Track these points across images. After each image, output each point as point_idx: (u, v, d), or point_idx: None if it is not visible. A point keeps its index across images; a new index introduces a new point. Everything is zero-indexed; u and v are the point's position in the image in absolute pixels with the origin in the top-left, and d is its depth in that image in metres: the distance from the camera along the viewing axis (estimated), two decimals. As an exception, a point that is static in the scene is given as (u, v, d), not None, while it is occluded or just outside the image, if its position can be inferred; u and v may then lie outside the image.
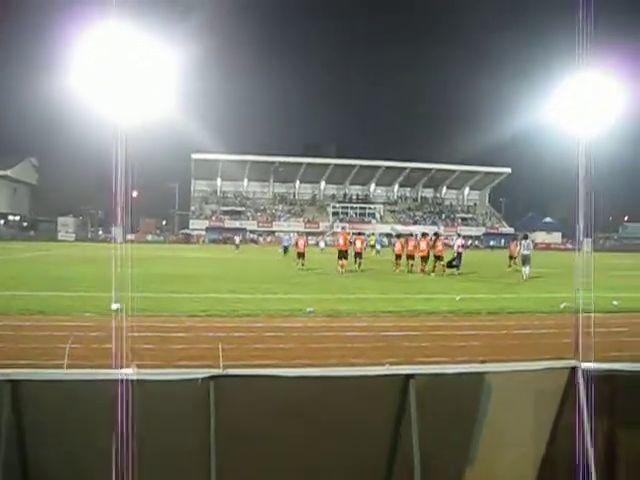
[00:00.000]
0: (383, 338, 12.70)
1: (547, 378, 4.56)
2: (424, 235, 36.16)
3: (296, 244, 36.82)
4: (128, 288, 13.84)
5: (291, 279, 26.94)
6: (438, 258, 32.24)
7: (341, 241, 33.93)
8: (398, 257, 34.09)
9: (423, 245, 33.63)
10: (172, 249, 65.25)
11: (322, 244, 54.34)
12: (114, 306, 14.57)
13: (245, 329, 13.27)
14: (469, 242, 46.72)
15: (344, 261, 32.09)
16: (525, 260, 30.16)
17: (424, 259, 32.83)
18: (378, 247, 52.52)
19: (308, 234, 78.61)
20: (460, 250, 33.15)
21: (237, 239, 73.30)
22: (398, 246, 34.89)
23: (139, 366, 4.10)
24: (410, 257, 33.38)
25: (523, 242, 31.18)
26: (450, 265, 32.25)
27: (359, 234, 38.53)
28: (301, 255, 34.64)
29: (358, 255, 33.93)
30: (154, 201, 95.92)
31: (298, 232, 52.49)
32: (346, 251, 32.72)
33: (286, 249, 46.37)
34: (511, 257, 35.82)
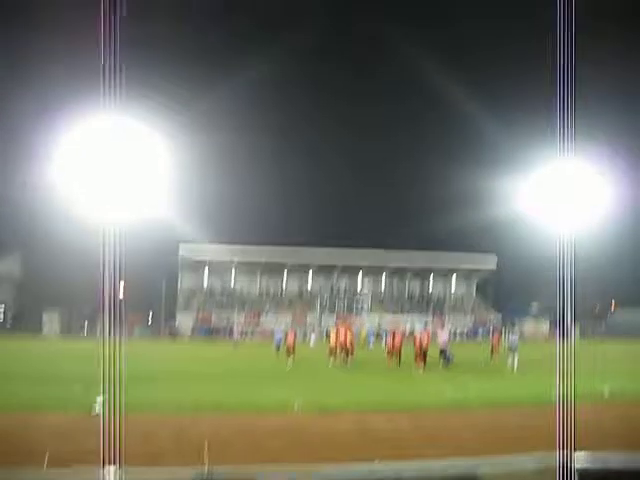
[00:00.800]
0: (372, 433, 12.47)
1: (538, 471, 4.48)
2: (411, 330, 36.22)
3: (286, 339, 36.87)
4: (112, 385, 13.61)
5: (280, 375, 26.62)
6: (424, 352, 31.50)
7: (332, 336, 33.95)
8: (389, 352, 33.60)
9: (411, 339, 33.74)
10: (158, 345, 64.56)
11: (313, 338, 51.84)
12: (98, 403, 14.28)
13: (233, 426, 13.02)
14: (457, 332, 46.30)
15: (334, 356, 32.00)
16: (513, 351, 30.97)
17: (416, 353, 31.81)
18: (371, 340, 51.74)
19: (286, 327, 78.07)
20: (444, 346, 32.65)
21: (235, 334, 72.50)
22: (389, 341, 34.59)
23: (122, 465, 4.00)
24: (400, 351, 33.00)
25: (510, 336, 32.79)
26: (441, 358, 31.87)
27: (348, 328, 38.04)
28: (291, 350, 34.02)
29: (348, 350, 33.16)
30: (141, 295, 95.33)
31: (289, 327, 50.40)
32: (337, 347, 32.64)
33: (279, 346, 42.16)
34: (493, 349, 35.68)
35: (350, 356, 32.81)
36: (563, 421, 10.78)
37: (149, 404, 15.52)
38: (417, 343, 32.14)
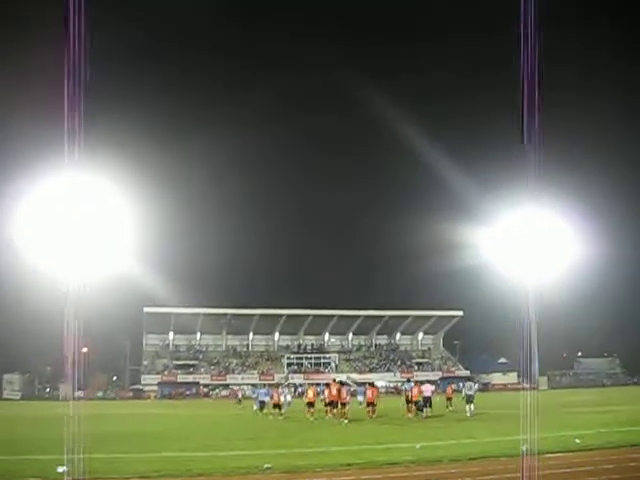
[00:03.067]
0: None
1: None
2: (371, 384, 38.96)
3: (271, 397, 39.15)
4: (76, 449, 13.21)
5: (248, 433, 26.17)
6: (372, 404, 34.20)
7: (310, 393, 36.04)
8: (369, 404, 34.81)
9: (369, 394, 35.58)
10: (123, 406, 63.20)
11: (289, 397, 48.37)
12: (60, 469, 13.84)
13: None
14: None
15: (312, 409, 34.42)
16: (469, 400, 34.18)
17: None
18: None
19: (264, 386, 77.43)
20: (428, 394, 34.61)
21: (240, 394, 70.61)
22: (369, 394, 35.61)
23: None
24: (370, 404, 34.43)
25: (466, 384, 35.67)
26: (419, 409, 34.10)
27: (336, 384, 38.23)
28: (277, 406, 36.75)
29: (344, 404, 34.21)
30: (105, 356, 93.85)
31: (270, 385, 48.25)
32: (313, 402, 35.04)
33: (263, 404, 41.43)
34: (448, 399, 38.33)
35: (345, 408, 33.72)
36: (529, 473, 10.69)
37: (113, 468, 15.07)
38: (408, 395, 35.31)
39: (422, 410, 34.05)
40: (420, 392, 35.17)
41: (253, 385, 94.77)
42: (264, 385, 70.28)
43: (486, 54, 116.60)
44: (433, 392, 35.85)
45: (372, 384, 40.13)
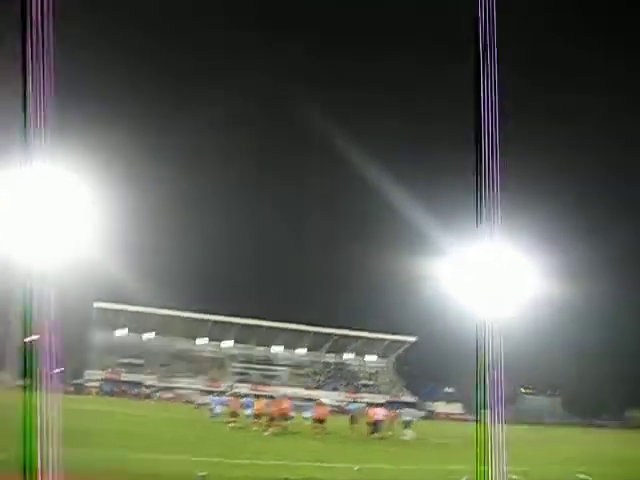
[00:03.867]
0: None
1: None
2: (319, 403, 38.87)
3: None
4: (15, 440, 12.94)
5: (188, 439, 25.91)
6: (321, 421, 34.62)
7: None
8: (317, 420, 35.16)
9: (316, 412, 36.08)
10: (64, 400, 62.06)
11: (218, 409, 47.22)
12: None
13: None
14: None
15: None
16: (406, 425, 36.48)
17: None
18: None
19: (208, 393, 76.94)
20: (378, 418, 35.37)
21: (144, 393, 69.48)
22: (316, 412, 36.01)
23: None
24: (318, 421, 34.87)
25: (405, 410, 38.95)
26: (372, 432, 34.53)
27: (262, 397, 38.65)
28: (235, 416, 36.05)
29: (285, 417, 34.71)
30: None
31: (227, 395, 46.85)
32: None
33: (216, 413, 41.42)
34: (368, 423, 37.08)
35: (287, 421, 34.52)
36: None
37: (52, 462, 14.77)
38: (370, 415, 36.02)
39: (373, 433, 34.50)
40: (374, 414, 35.83)
41: (199, 390, 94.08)
42: (212, 392, 69.67)
43: (445, 80, 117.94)
44: (385, 416, 36.26)
45: (321, 402, 40.18)
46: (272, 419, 34.60)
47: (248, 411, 37.41)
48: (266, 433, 32.14)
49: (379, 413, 36.10)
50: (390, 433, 36.51)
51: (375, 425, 35.12)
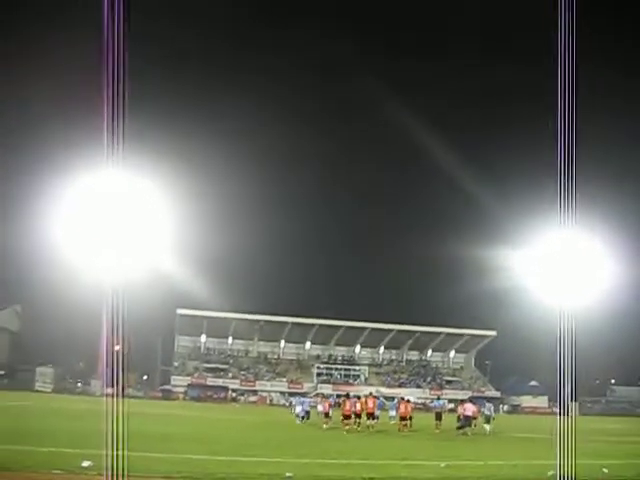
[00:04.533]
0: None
1: None
2: (404, 399, 39.51)
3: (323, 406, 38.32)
4: (101, 445, 13.35)
5: (273, 441, 26.20)
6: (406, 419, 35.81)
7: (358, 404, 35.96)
8: (402, 418, 36.23)
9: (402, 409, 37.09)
10: (151, 405, 63.62)
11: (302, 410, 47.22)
12: (85, 463, 14.01)
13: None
14: (452, 405, 46.93)
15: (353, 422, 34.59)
16: (487, 420, 37.06)
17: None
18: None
19: (292, 395, 77.62)
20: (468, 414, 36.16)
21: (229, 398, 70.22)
22: (402, 408, 36.95)
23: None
24: (404, 419, 35.99)
25: (486, 405, 38.82)
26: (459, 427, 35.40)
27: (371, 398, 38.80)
28: (327, 415, 36.60)
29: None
30: (136, 355, 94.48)
31: (324, 395, 46.33)
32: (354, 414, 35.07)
33: (307, 414, 40.78)
34: (458, 419, 37.50)
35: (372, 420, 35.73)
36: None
37: (137, 466, 15.19)
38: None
39: (462, 428, 35.13)
40: (463, 410, 36.67)
41: (282, 393, 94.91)
42: (302, 394, 69.97)
43: (520, 84, 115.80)
44: (474, 412, 36.74)
45: (407, 399, 40.43)
46: (359, 418, 35.49)
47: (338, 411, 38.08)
48: (351, 432, 32.42)
49: (468, 409, 36.50)
50: (475, 428, 36.53)
51: (465, 420, 35.70)
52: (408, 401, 39.26)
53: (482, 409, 38.68)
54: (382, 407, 43.02)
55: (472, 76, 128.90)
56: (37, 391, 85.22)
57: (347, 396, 38.25)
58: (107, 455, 12.29)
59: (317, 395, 79.41)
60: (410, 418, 36.41)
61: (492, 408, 38.17)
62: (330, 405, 37.97)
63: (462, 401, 42.14)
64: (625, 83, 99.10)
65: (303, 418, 39.93)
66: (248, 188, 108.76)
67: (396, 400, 47.43)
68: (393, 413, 42.06)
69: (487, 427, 36.41)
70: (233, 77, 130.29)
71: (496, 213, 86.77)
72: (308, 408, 40.57)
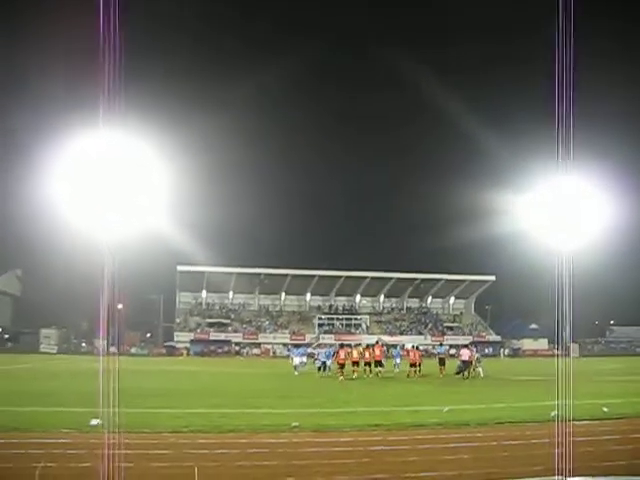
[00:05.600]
0: (369, 453, 12.37)
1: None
2: (413, 347, 41.84)
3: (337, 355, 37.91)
4: (109, 403, 13.49)
5: (278, 392, 26.50)
6: (415, 365, 37.96)
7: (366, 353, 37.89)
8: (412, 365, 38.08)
9: (411, 355, 39.34)
10: (156, 362, 64.34)
11: (304, 359, 47.16)
12: (94, 422, 14.18)
13: (228, 445, 12.92)
14: (453, 351, 47.68)
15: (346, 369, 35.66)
16: (478, 362, 38.33)
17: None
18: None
19: (295, 346, 78.35)
20: (465, 358, 37.48)
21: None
22: (412, 355, 39.10)
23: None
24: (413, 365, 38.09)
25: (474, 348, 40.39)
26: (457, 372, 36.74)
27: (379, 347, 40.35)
28: (342, 366, 35.95)
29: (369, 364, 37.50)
30: (138, 313, 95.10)
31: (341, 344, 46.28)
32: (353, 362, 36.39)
33: (324, 365, 39.48)
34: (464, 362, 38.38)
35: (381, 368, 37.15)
36: (556, 439, 10.71)
37: (145, 422, 15.40)
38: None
39: (459, 373, 36.52)
40: (459, 356, 38.66)
41: (284, 344, 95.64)
42: (318, 345, 69.88)
43: (521, 23, 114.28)
44: (470, 356, 37.63)
45: (416, 347, 42.17)
46: (368, 365, 37.20)
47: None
48: (356, 380, 33.00)
49: (464, 354, 37.71)
50: (473, 372, 37.67)
51: (463, 364, 37.06)
52: (417, 348, 40.87)
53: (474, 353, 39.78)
54: (386, 355, 43.35)
55: (471, 14, 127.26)
56: (42, 353, 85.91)
57: (349, 346, 38.96)
58: (114, 413, 12.46)
59: (320, 345, 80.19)
60: (419, 365, 37.97)
61: (475, 351, 39.79)
62: (347, 354, 37.74)
63: (459, 347, 43.49)
64: (624, 27, 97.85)
65: (320, 369, 39.11)
66: (247, 148, 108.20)
67: (399, 348, 48.37)
68: (398, 361, 42.62)
69: (478, 369, 37.86)
70: (226, 42, 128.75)
71: (495, 157, 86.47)
72: (324, 359, 39.82)
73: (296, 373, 40.33)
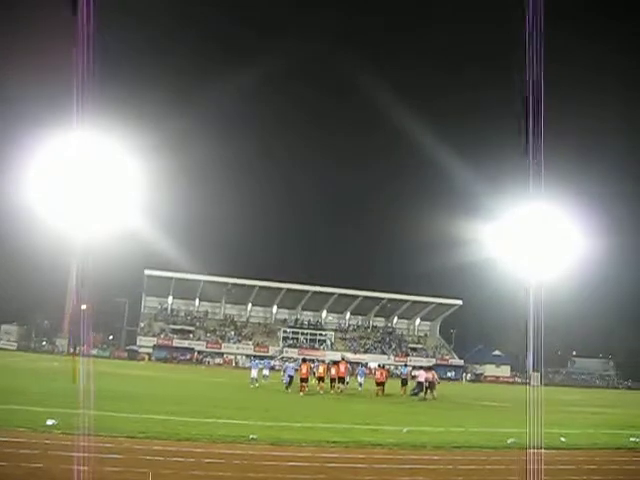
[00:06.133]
0: (326, 470, 12.33)
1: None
2: (380, 366, 42.58)
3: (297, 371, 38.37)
4: (67, 403, 13.33)
5: (237, 403, 26.36)
6: (381, 384, 37.63)
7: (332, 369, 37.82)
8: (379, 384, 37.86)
9: (378, 374, 39.53)
10: (117, 365, 63.57)
11: (266, 372, 47.01)
12: (49, 422, 13.99)
13: (184, 454, 12.81)
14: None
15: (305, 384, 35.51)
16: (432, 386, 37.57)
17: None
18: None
19: (257, 358, 78.13)
20: (421, 380, 37.77)
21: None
22: (378, 375, 39.24)
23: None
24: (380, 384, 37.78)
25: (433, 371, 39.40)
26: (413, 393, 37.25)
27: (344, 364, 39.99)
28: (304, 380, 35.85)
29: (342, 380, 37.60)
30: (102, 315, 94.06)
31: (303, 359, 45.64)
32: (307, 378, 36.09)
33: (291, 379, 38.37)
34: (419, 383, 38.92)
35: (344, 385, 37.59)
36: (512, 466, 10.77)
37: (102, 426, 15.21)
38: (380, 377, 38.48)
39: (416, 395, 36.86)
40: (417, 377, 38.89)
41: (247, 355, 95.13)
42: (287, 359, 69.02)
43: (490, 51, 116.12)
44: (426, 378, 37.65)
45: (383, 366, 43.35)
46: (333, 382, 37.20)
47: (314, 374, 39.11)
48: (310, 395, 32.89)
49: (421, 375, 38.15)
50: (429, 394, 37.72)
51: (418, 386, 37.52)
52: (384, 367, 42.04)
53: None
54: (351, 373, 43.30)
55: (444, 47, 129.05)
56: (1, 349, 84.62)
57: (312, 361, 39.09)
58: (71, 414, 12.30)
59: (283, 359, 79.92)
60: (383, 384, 37.87)
61: (435, 375, 39.33)
62: (309, 369, 37.59)
63: (416, 368, 44.12)
64: (593, 48, 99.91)
65: (287, 384, 38.00)
66: (220, 150, 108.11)
67: (363, 367, 48.89)
68: (361, 380, 42.30)
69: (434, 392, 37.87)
70: (203, 42, 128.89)
71: (468, 187, 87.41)
72: (292, 373, 39.12)
73: (252, 386, 39.25)
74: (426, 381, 37.37)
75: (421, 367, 45.28)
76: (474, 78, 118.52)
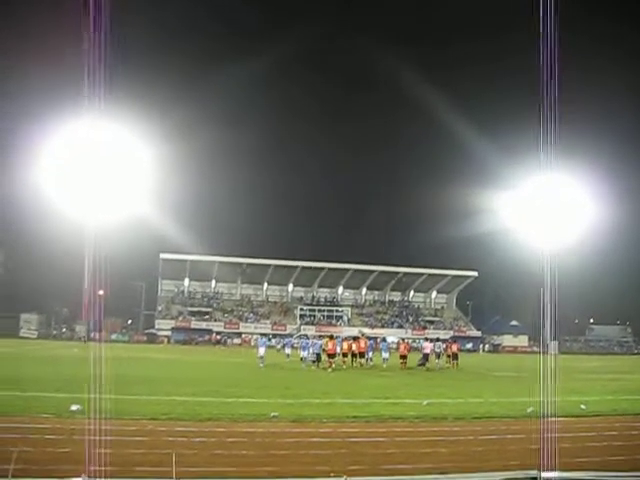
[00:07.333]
0: (348, 444, 12.44)
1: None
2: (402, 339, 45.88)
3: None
4: (89, 389, 13.49)
5: (257, 382, 26.54)
6: (404, 357, 38.72)
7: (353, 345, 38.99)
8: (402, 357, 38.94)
9: (402, 347, 40.65)
10: (137, 349, 64.08)
11: (288, 350, 47.37)
12: (73, 407, 14.16)
13: (206, 434, 12.94)
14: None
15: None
16: (438, 355, 39.87)
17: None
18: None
19: (275, 337, 78.47)
20: (426, 351, 39.98)
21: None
22: (402, 348, 40.34)
23: (93, 473, 3.95)
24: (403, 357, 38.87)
25: (437, 343, 41.26)
26: (419, 364, 38.64)
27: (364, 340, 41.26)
28: (331, 356, 36.63)
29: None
30: (120, 300, 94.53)
31: (323, 336, 45.52)
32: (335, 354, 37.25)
33: (319, 356, 38.03)
34: (448, 356, 41.26)
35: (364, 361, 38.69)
36: (533, 435, 10.83)
37: (124, 409, 15.38)
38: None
39: (422, 365, 38.60)
40: (422, 349, 41.48)
41: (264, 334, 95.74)
42: (306, 336, 69.07)
43: (505, 21, 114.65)
44: (431, 349, 40.04)
45: (406, 340, 45.26)
46: (354, 357, 38.45)
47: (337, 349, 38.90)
48: (337, 371, 33.16)
49: (426, 347, 40.52)
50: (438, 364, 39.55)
51: (424, 357, 39.46)
52: (406, 342, 43.09)
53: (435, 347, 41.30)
54: (373, 348, 43.41)
55: (457, 16, 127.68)
56: (22, 337, 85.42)
57: (331, 337, 39.51)
58: (94, 399, 12.46)
59: (300, 336, 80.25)
60: (406, 357, 38.78)
61: (441, 345, 41.38)
62: (334, 345, 37.84)
63: (426, 340, 45.84)
64: (612, 28, 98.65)
65: (314, 362, 37.82)
66: (234, 132, 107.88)
67: (384, 341, 50.28)
68: (386, 355, 41.88)
69: (438, 362, 39.55)
70: (214, 29, 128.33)
71: (482, 158, 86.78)
72: (318, 350, 38.40)
73: (260, 365, 38.29)
74: (436, 352, 39.69)
75: (427, 339, 47.60)
76: (489, 49, 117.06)
